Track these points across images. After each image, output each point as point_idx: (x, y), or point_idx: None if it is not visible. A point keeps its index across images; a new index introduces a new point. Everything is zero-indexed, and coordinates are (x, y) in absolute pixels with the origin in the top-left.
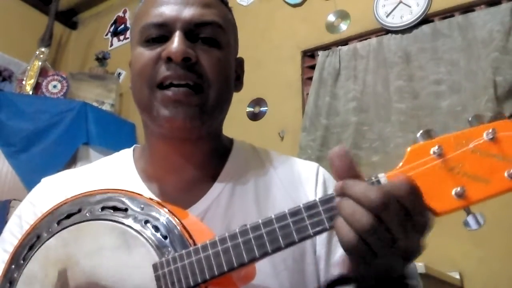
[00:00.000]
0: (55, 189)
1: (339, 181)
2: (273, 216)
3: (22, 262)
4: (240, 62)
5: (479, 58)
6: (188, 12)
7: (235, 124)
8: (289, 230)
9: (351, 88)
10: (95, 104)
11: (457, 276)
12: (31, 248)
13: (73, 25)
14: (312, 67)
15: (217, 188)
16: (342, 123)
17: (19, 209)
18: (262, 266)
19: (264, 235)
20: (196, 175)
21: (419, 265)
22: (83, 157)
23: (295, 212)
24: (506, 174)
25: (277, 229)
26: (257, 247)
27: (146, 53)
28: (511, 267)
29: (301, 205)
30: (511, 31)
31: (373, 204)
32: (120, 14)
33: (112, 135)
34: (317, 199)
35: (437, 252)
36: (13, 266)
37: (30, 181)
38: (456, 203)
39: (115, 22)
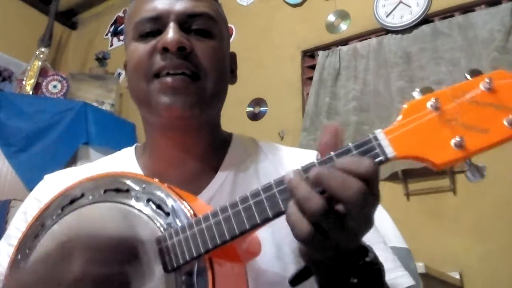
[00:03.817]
0: (59, 185)
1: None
2: (272, 182)
3: (27, 251)
4: (233, 57)
5: (480, 58)
6: (180, 5)
7: (235, 124)
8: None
9: (351, 88)
10: (95, 104)
11: (457, 276)
12: (36, 237)
13: (73, 25)
14: (312, 67)
15: (220, 178)
16: (343, 122)
17: (24, 206)
18: (267, 249)
19: (264, 200)
20: (197, 167)
21: (419, 265)
22: (83, 157)
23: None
24: (505, 122)
25: (277, 193)
26: (258, 213)
27: (141, 47)
28: (511, 267)
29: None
30: (511, 31)
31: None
32: (120, 14)
33: (112, 135)
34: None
35: (437, 252)
36: (19, 257)
37: (30, 181)
38: (456, 154)
39: (115, 22)
